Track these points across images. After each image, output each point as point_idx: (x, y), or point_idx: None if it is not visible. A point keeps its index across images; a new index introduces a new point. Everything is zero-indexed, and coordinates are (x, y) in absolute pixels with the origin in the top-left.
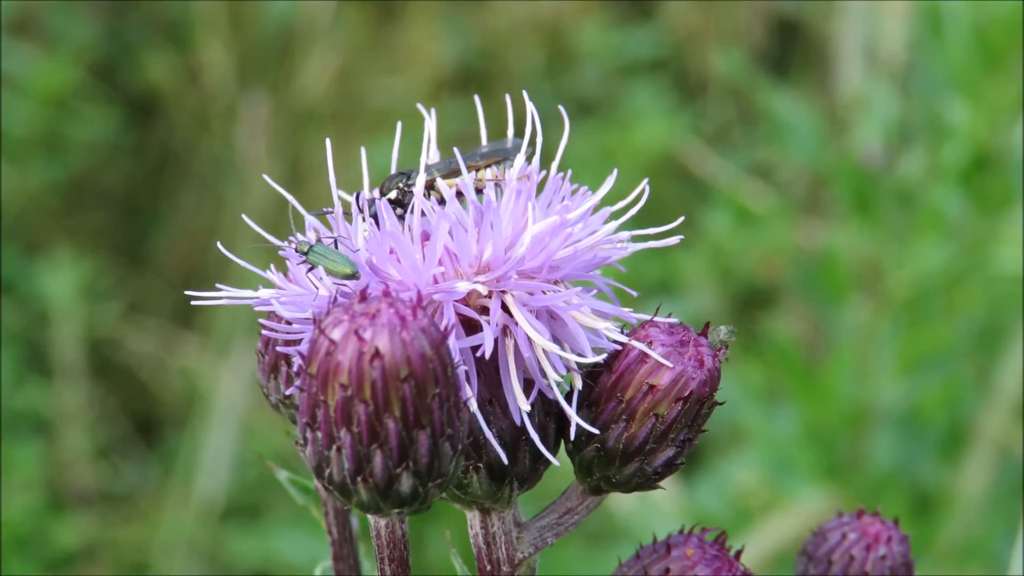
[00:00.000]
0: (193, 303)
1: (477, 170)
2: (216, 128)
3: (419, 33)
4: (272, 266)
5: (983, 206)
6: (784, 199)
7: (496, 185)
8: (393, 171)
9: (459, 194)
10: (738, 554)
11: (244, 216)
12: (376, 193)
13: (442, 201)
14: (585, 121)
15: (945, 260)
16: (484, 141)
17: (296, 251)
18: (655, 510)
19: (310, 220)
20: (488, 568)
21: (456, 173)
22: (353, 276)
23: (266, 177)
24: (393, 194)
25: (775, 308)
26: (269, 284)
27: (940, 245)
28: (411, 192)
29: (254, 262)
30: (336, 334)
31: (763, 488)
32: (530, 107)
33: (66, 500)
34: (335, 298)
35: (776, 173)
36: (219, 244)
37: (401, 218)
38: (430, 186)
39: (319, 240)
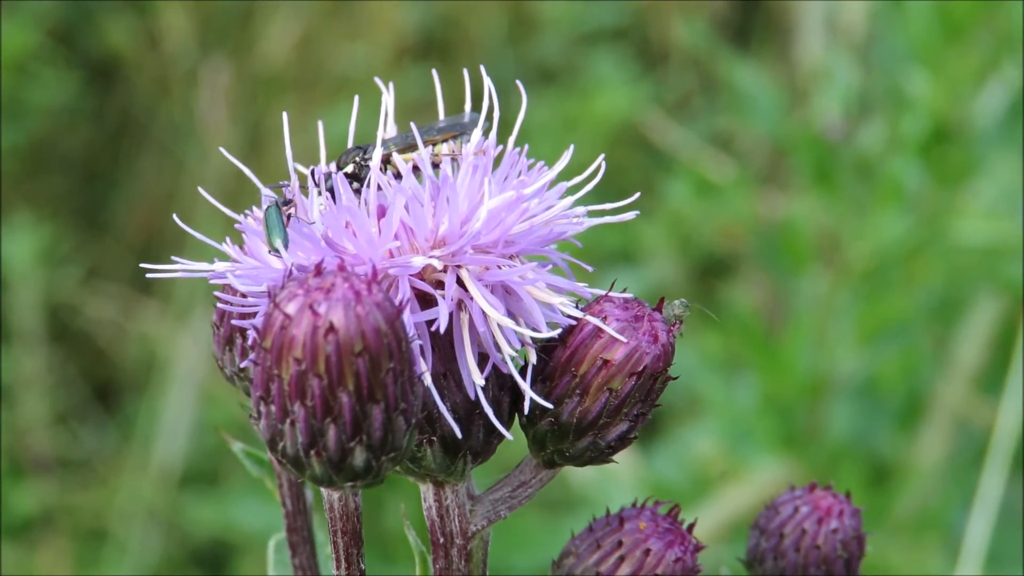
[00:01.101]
0: (149, 275)
1: (434, 144)
2: (176, 93)
3: None
4: (228, 239)
5: (942, 178)
6: (744, 169)
7: (453, 160)
8: (350, 144)
9: (415, 168)
10: (691, 527)
11: (202, 190)
12: (333, 167)
13: (399, 176)
14: (547, 89)
15: (904, 231)
16: (441, 114)
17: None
18: (613, 479)
19: (267, 193)
20: (441, 540)
21: (413, 147)
22: (275, 251)
23: (223, 150)
24: (350, 168)
25: (734, 277)
26: (225, 256)
27: (899, 216)
28: (367, 166)
29: (211, 232)
30: (291, 308)
31: (721, 458)
32: (487, 82)
33: (24, 466)
34: (290, 272)
35: (736, 142)
36: (175, 217)
37: (357, 192)
38: (386, 160)
39: (277, 204)
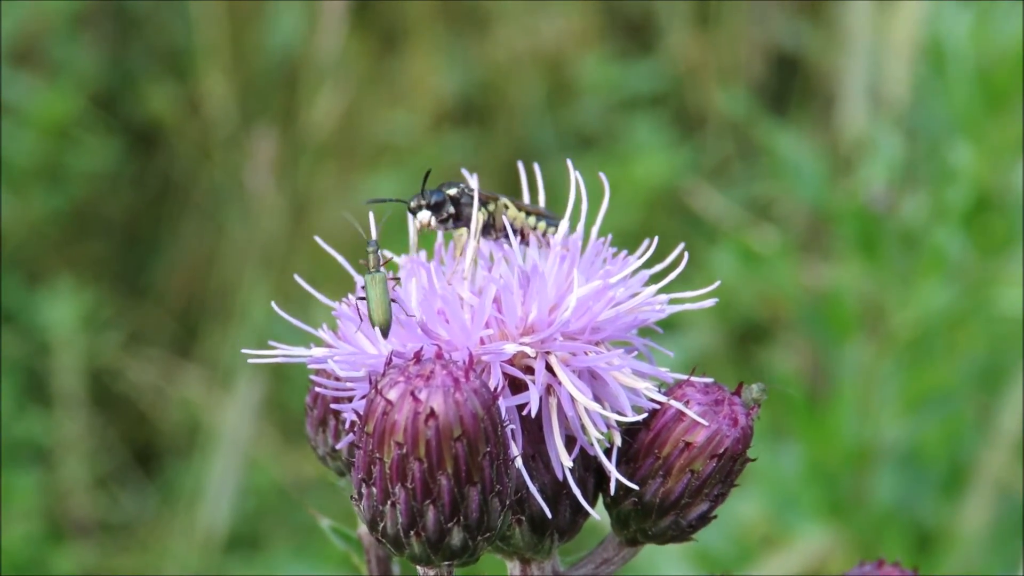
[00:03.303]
0: (249, 360)
1: (528, 214)
2: (217, 159)
3: (420, 65)
4: (324, 325)
5: (985, 247)
6: (786, 237)
7: (522, 237)
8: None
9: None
10: None
11: (299, 279)
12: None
13: (490, 227)
14: (585, 154)
15: (948, 301)
16: (527, 199)
17: (363, 269)
18: (658, 546)
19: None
20: None
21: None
22: (381, 331)
23: (318, 239)
24: (453, 191)
25: (774, 344)
26: (306, 335)
27: (943, 286)
28: (469, 195)
29: (256, 297)
30: (392, 394)
31: (766, 524)
32: (575, 175)
33: (65, 529)
34: (390, 359)
35: (775, 208)
36: (274, 306)
37: (448, 220)
38: (484, 202)
39: (380, 270)
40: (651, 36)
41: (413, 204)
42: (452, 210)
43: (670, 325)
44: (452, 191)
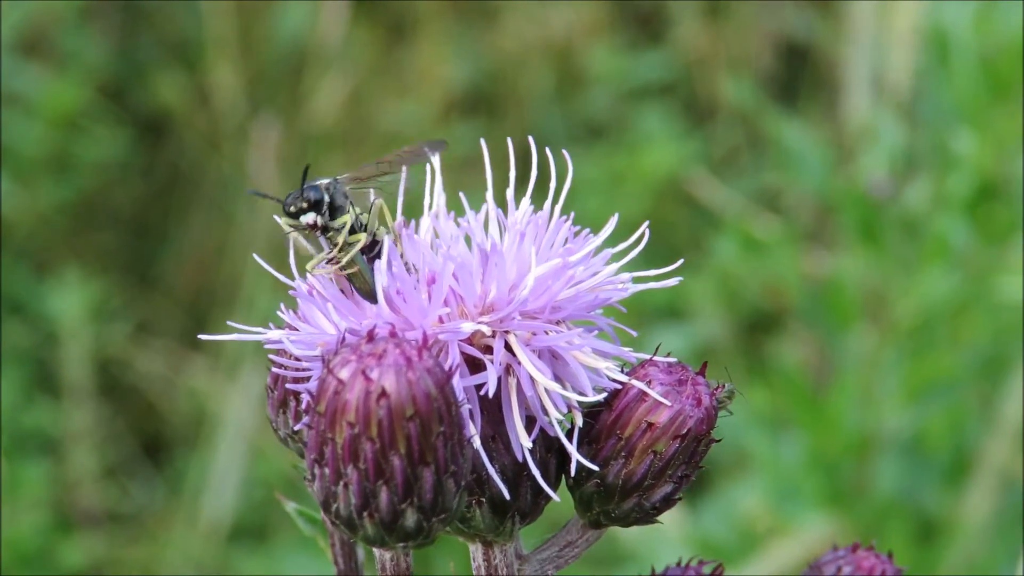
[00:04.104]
0: (200, 337)
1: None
2: (226, 149)
3: (429, 55)
4: (282, 304)
5: (988, 235)
6: (790, 226)
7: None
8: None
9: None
10: None
11: (257, 257)
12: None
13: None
14: (595, 145)
15: (950, 289)
16: (489, 177)
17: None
18: (660, 535)
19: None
20: None
21: None
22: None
23: (277, 219)
24: (325, 182)
25: (781, 333)
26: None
27: (945, 274)
28: (339, 189)
29: (261, 287)
30: (344, 374)
31: (768, 514)
32: (543, 152)
33: (73, 520)
34: (343, 338)
35: (782, 198)
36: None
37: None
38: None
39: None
40: (660, 26)
41: (293, 209)
42: (328, 202)
43: (676, 314)
44: (324, 182)
